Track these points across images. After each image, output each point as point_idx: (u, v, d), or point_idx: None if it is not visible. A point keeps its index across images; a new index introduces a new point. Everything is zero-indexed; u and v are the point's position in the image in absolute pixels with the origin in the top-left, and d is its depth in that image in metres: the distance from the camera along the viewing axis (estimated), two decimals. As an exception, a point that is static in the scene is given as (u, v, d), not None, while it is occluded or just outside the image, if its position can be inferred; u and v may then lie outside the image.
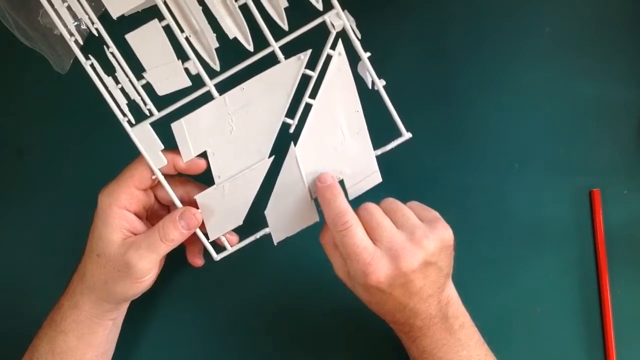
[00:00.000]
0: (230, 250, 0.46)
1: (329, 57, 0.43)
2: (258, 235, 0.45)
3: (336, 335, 0.51)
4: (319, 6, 0.42)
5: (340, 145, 0.44)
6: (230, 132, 0.43)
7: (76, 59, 0.53)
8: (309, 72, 0.43)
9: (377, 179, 0.45)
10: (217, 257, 0.46)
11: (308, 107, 0.43)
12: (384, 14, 0.53)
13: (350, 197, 0.45)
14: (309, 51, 0.42)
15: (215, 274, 0.50)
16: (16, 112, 0.54)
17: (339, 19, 0.42)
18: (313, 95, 0.43)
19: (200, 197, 0.44)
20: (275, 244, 0.45)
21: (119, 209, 0.43)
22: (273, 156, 0.44)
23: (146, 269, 0.42)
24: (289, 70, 0.42)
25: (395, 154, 0.45)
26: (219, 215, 0.44)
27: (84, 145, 0.53)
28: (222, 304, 0.51)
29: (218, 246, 0.46)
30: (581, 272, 0.51)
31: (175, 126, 0.43)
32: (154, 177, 0.43)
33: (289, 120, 0.43)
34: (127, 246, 0.42)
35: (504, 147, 0.52)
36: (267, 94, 0.43)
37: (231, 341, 0.51)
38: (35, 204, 0.53)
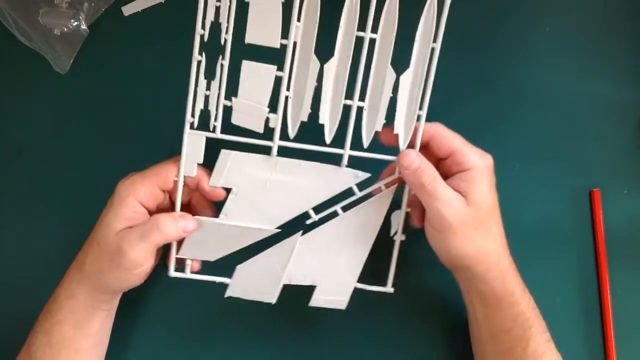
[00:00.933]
0: (186, 275, 0.46)
1: (378, 189, 0.45)
2: (217, 280, 0.46)
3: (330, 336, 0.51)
4: (402, 146, 0.44)
5: (333, 260, 0.46)
6: (261, 189, 0.44)
7: (76, 59, 0.53)
8: (355, 189, 0.45)
9: (342, 305, 0.47)
10: (172, 273, 0.46)
11: (333, 214, 0.45)
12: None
13: (311, 304, 0.46)
14: (368, 175, 0.44)
15: (210, 267, 0.50)
16: (16, 112, 0.54)
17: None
18: (345, 208, 0.45)
19: (198, 219, 0.45)
20: (225, 297, 0.46)
21: (135, 201, 0.43)
22: (280, 230, 0.45)
23: (136, 259, 0.42)
24: (343, 178, 0.44)
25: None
26: (200, 243, 0.45)
27: (83, 145, 0.53)
28: (215, 296, 0.51)
29: (180, 264, 0.46)
30: (581, 272, 0.51)
31: (224, 153, 0.44)
32: (175, 179, 0.44)
33: (312, 214, 0.45)
34: (121, 235, 0.42)
35: (504, 147, 0.52)
36: (312, 183, 0.44)
37: (223, 335, 0.52)
38: (35, 204, 0.53)
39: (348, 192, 0.45)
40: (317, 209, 0.45)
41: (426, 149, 0.44)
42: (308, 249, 0.45)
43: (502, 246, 0.43)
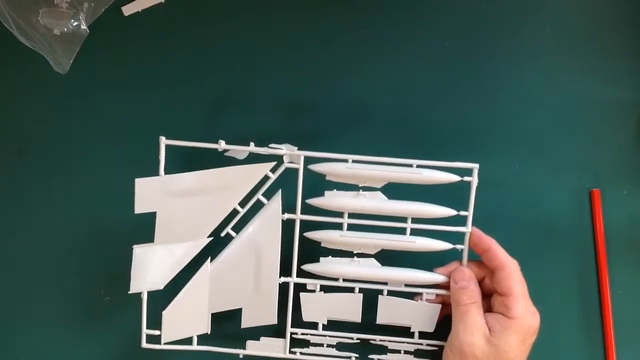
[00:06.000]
0: (159, 346, 0.46)
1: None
2: (190, 348, 0.47)
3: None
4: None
5: (249, 279, 0.46)
6: (184, 207, 0.45)
7: (76, 58, 0.53)
8: (270, 174, 0.45)
9: (272, 320, 0.47)
10: (144, 344, 0.46)
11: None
12: (384, 14, 0.53)
13: (243, 326, 0.47)
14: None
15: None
16: (16, 112, 0.54)
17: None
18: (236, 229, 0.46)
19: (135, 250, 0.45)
20: (162, 344, 0.46)
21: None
22: (212, 239, 0.46)
23: None
24: (255, 171, 0.45)
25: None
26: (145, 275, 0.45)
27: (83, 146, 0.53)
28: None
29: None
30: (581, 272, 0.51)
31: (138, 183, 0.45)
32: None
33: (238, 208, 0.46)
34: None
35: (504, 147, 0.52)
36: (227, 184, 0.45)
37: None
38: (35, 204, 0.53)
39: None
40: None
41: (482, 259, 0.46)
42: (222, 274, 0.46)
43: None
